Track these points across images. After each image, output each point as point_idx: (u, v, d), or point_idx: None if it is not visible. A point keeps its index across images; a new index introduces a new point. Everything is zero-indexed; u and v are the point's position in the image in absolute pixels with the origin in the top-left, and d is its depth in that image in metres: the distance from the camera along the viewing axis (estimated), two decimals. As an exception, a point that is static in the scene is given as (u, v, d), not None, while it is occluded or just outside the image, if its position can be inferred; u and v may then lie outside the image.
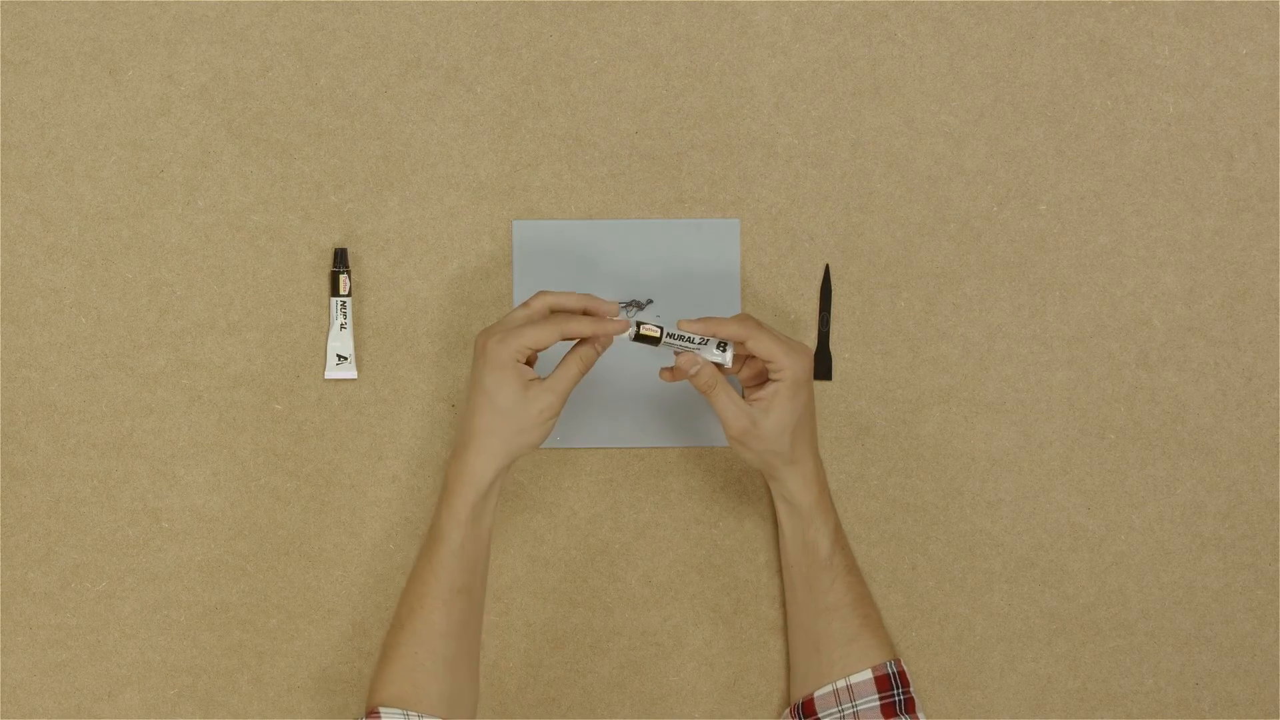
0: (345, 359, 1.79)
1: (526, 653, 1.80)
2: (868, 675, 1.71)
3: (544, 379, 1.63)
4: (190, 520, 1.78)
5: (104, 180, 1.78)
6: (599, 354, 1.66)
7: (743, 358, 1.71)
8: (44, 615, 1.78)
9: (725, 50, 1.81)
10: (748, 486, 1.82)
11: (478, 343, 1.64)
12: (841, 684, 1.71)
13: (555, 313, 1.66)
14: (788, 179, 1.81)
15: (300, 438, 1.79)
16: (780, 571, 1.81)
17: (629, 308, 1.80)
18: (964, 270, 1.82)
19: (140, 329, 1.78)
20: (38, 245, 1.78)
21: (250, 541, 1.79)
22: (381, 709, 1.62)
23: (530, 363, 1.65)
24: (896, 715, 1.70)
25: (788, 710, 1.76)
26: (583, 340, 1.65)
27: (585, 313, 1.66)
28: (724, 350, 1.66)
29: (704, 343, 1.66)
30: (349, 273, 1.78)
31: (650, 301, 1.81)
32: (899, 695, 1.70)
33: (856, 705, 1.70)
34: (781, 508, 1.74)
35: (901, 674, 1.72)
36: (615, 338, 1.66)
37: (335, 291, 1.78)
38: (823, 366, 1.81)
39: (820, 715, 1.72)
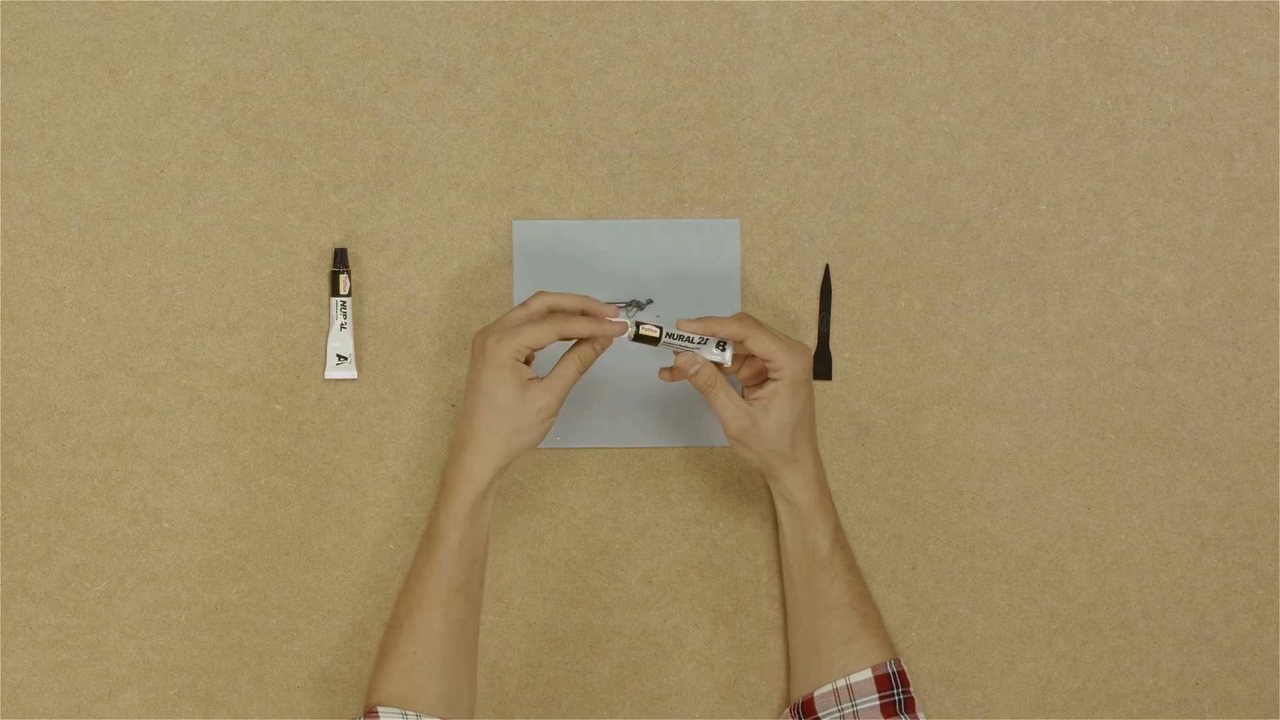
0: (345, 359, 1.79)
1: (526, 653, 1.80)
2: (867, 675, 1.71)
3: (542, 378, 1.63)
4: (190, 520, 1.78)
5: (104, 180, 1.78)
6: (597, 354, 1.66)
7: (742, 357, 1.70)
8: (44, 615, 1.78)
9: (725, 50, 1.81)
10: (748, 486, 1.81)
11: (476, 342, 1.64)
12: (841, 683, 1.71)
13: (553, 313, 1.66)
14: (788, 179, 1.81)
15: (300, 438, 1.79)
16: (780, 571, 1.81)
17: (629, 308, 1.80)
18: (964, 270, 1.82)
19: (140, 329, 1.78)
20: (38, 245, 1.78)
21: (250, 541, 1.79)
22: (380, 708, 1.62)
23: (528, 362, 1.65)
24: (896, 715, 1.70)
25: (788, 710, 1.76)
26: (581, 340, 1.65)
27: (583, 314, 1.66)
28: (723, 350, 1.66)
29: (703, 342, 1.66)
30: (349, 273, 1.78)
31: (650, 301, 1.80)
32: (899, 695, 1.70)
33: (856, 705, 1.70)
34: (781, 507, 1.73)
35: (901, 673, 1.72)
36: (615, 338, 1.66)
37: (335, 291, 1.78)
38: (823, 366, 1.81)
39: (820, 715, 1.72)
